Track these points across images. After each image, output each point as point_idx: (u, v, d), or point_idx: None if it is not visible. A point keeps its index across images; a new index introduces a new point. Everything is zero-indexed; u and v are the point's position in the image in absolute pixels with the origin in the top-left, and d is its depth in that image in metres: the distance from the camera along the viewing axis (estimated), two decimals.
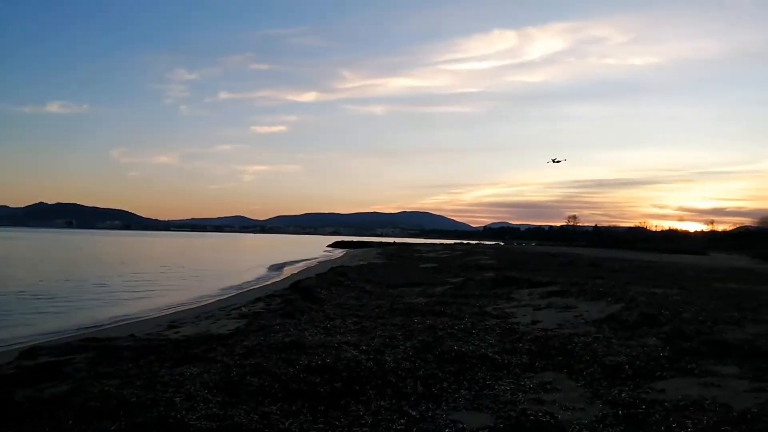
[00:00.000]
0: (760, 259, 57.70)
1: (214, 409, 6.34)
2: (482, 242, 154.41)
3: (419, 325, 11.85)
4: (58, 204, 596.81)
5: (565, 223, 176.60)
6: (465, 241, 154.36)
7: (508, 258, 44.15)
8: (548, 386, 7.38)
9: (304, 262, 54.74)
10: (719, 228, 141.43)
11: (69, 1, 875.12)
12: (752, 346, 8.76)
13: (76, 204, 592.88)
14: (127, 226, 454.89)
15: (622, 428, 5.60)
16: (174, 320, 14.56)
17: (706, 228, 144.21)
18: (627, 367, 8.02)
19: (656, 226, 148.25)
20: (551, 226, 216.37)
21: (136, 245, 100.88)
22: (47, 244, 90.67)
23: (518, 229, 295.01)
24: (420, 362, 8.38)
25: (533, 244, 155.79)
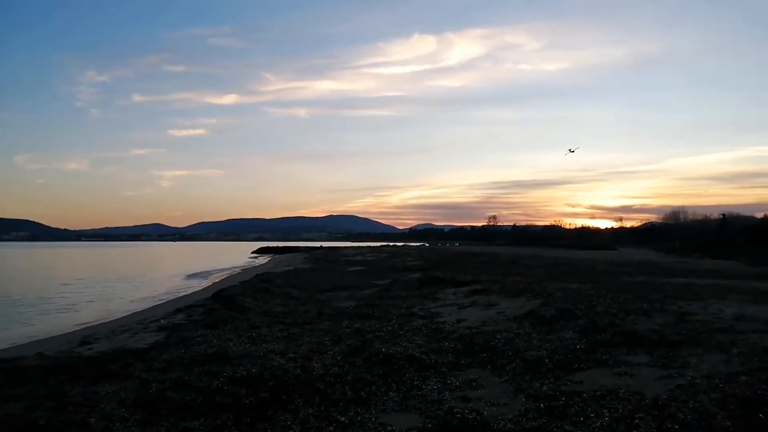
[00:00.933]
0: (665, 252, 61.99)
1: (133, 428, 6.04)
2: (408, 244, 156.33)
3: (347, 329, 11.83)
4: None
5: (485, 223, 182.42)
6: (391, 244, 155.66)
7: (433, 258, 44.93)
8: (473, 383, 7.55)
9: (228, 270, 53.25)
10: (627, 224, 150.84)
11: None
12: (660, 335, 9.36)
13: None
14: (34, 237, 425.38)
15: (544, 421, 5.80)
16: (87, 336, 13.72)
17: (615, 225, 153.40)
18: (547, 360, 8.35)
19: (570, 224, 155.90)
20: (473, 227, 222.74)
21: (44, 257, 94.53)
22: None
23: (442, 230, 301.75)
24: (348, 367, 8.35)
25: (457, 244, 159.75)
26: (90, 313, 22.18)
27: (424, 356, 8.85)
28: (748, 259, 38.44)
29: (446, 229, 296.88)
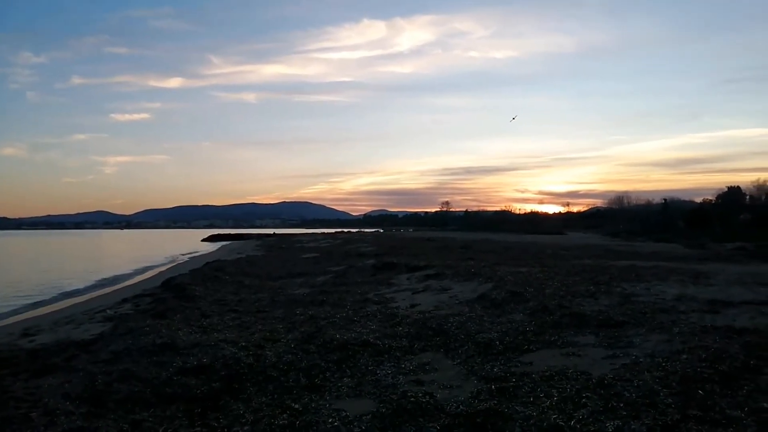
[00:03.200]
0: (610, 236, 64.15)
1: (78, 422, 5.85)
2: (362, 230, 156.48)
3: (301, 317, 11.75)
4: None
5: (438, 209, 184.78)
6: (346, 230, 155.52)
7: (387, 244, 45.13)
8: (427, 367, 7.63)
9: (177, 258, 52.07)
10: (574, 209, 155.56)
11: None
12: (606, 316, 9.69)
13: None
14: None
15: (495, 402, 5.92)
16: (28, 327, 13.15)
17: (563, 210, 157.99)
18: (498, 343, 8.53)
19: (519, 209, 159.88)
20: (426, 212, 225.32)
21: None
22: None
23: (396, 216, 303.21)
24: (302, 354, 8.30)
25: (411, 230, 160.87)
26: (31, 302, 21.29)
27: (378, 341, 8.88)
28: (687, 242, 40.19)
29: (400, 215, 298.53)
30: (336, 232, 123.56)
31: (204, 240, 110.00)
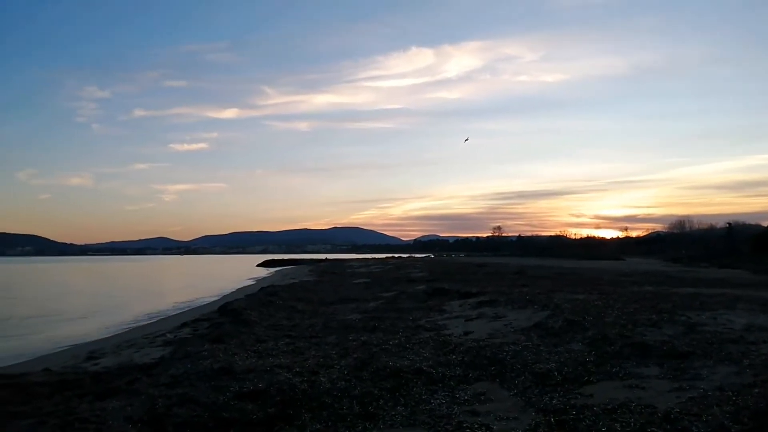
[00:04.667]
0: (671, 262, 61.64)
1: None
2: (413, 255, 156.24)
3: (354, 343, 11.76)
4: None
5: (490, 234, 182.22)
6: (396, 255, 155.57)
7: (438, 270, 44.81)
8: (482, 397, 7.47)
9: (233, 283, 53.26)
10: (632, 234, 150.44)
11: None
12: (670, 346, 9.27)
13: None
14: (40, 252, 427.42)
15: None
16: (93, 350, 13.68)
17: (620, 234, 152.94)
18: (556, 373, 8.27)
19: (575, 234, 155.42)
20: (478, 237, 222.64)
21: (49, 272, 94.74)
22: None
23: (447, 241, 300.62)
24: (355, 381, 8.28)
25: (462, 255, 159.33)
26: (97, 326, 22.17)
27: (431, 370, 8.77)
28: (755, 267, 38.17)
29: (451, 240, 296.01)
30: (386, 258, 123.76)
31: (258, 265, 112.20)
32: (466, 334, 12.53)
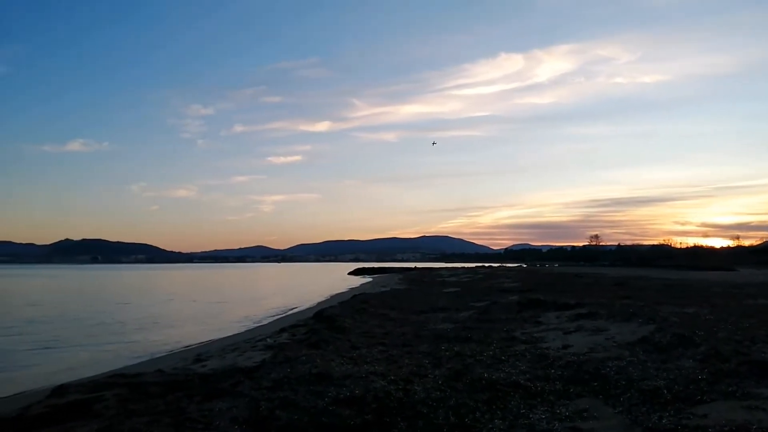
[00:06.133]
0: None
1: None
2: (504, 265, 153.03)
3: (446, 353, 11.68)
4: (84, 240, 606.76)
5: (587, 243, 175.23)
6: (486, 264, 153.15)
7: (531, 280, 43.61)
8: (584, 413, 7.16)
9: (326, 290, 54.65)
10: (745, 243, 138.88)
11: (84, 41, 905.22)
12: None
13: (100, 240, 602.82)
14: (151, 260, 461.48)
15: None
16: (200, 353, 14.52)
17: (731, 243, 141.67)
18: (665, 391, 7.77)
19: (680, 243, 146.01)
20: (573, 246, 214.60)
21: (161, 278, 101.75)
22: (80, 281, 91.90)
23: (540, 250, 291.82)
24: (450, 391, 8.21)
25: (556, 265, 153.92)
26: (203, 330, 23.54)
27: (529, 383, 8.53)
28: None
29: (544, 249, 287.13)
30: (476, 267, 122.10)
31: (350, 273, 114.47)
32: (565, 347, 12.07)
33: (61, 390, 10.04)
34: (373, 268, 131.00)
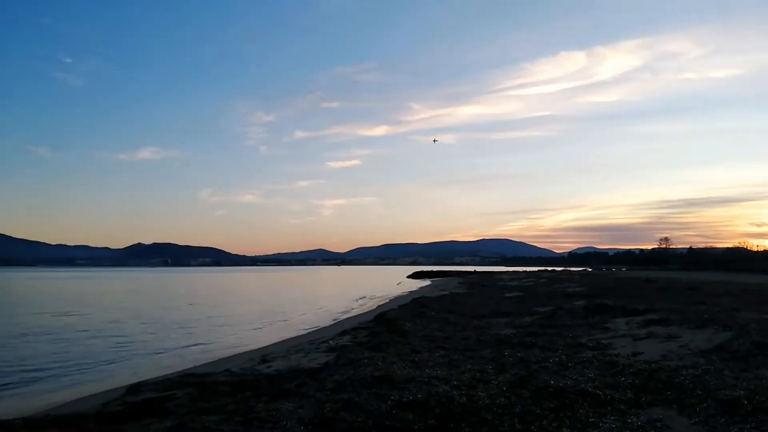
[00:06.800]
0: None
1: None
2: (568, 269, 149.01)
3: (510, 358, 11.47)
4: (155, 244, 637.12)
5: (656, 246, 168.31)
6: (549, 268, 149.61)
7: (598, 284, 42.26)
8: (658, 424, 6.86)
9: (386, 293, 54.90)
10: None
11: (153, 55, 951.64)
12: None
13: (170, 243, 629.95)
14: (217, 263, 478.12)
15: None
16: (266, 354, 14.88)
17: None
18: (745, 402, 7.34)
19: (758, 245, 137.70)
20: (642, 250, 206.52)
21: (228, 281, 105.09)
22: (155, 283, 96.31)
23: (606, 253, 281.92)
24: (515, 398, 8.06)
25: (624, 269, 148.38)
26: (267, 331, 24.15)
27: (598, 391, 8.25)
28: None
29: (610, 253, 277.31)
30: (539, 271, 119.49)
31: (409, 276, 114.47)
32: (635, 354, 11.63)
33: (136, 388, 10.55)
34: (432, 271, 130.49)
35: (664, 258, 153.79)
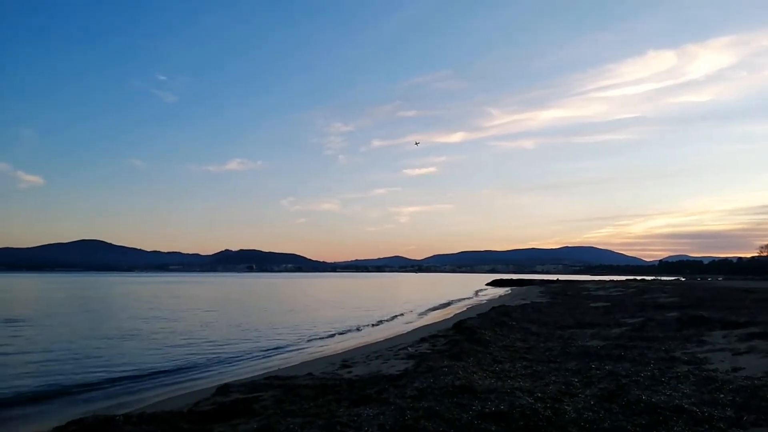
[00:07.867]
0: None
1: None
2: (659, 278, 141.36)
3: (598, 371, 11.00)
4: (241, 251, 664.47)
5: (756, 254, 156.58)
6: (638, 277, 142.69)
7: (692, 295, 39.80)
8: None
9: (464, 301, 54.31)
10: None
11: (238, 71, 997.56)
12: None
13: (255, 250, 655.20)
14: (299, 269, 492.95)
15: None
16: (346, 359, 15.09)
17: None
18: None
19: None
20: (740, 258, 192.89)
21: (309, 286, 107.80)
22: (244, 288, 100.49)
23: (700, 262, 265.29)
24: (604, 413, 7.71)
25: (720, 278, 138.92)
26: (348, 336, 24.53)
27: (694, 408, 7.75)
28: None
29: (705, 262, 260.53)
30: (627, 280, 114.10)
31: (487, 284, 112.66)
32: (735, 369, 10.83)
33: (224, 389, 11.01)
34: (511, 279, 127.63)
35: (765, 267, 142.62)
